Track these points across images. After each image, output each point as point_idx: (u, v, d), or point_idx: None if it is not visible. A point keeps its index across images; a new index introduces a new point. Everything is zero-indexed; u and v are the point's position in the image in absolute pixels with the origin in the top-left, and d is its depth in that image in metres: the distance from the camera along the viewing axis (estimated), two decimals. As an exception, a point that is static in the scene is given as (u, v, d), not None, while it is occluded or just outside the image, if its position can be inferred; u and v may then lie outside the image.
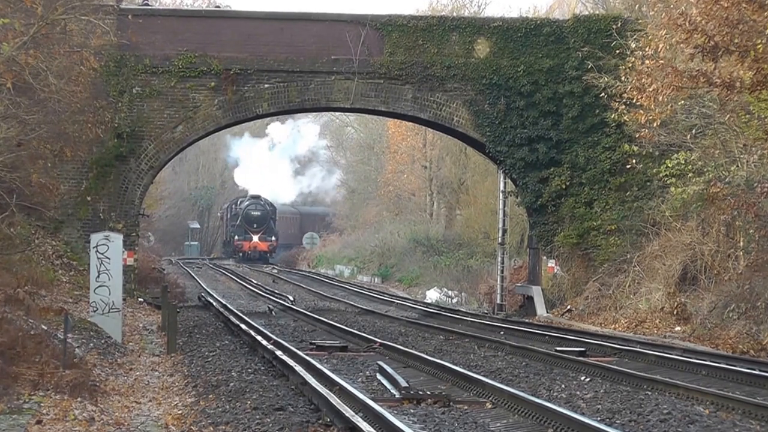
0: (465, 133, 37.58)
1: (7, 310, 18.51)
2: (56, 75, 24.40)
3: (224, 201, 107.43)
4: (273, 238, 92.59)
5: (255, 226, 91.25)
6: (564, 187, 36.61)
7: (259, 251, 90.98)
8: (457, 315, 36.88)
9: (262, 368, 20.39)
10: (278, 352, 20.92)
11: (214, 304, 37.86)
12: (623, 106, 31.07)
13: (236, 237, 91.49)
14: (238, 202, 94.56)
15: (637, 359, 22.84)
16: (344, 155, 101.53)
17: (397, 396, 16.65)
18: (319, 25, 37.18)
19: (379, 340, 24.98)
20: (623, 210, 35.16)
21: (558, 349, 23.68)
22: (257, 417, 14.53)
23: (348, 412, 13.53)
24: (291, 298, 43.97)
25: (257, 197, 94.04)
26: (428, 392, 16.70)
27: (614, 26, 35.69)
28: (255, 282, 57.32)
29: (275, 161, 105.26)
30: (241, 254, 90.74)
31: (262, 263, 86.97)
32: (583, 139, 36.58)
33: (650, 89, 26.38)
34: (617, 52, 33.56)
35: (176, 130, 36.11)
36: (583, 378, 19.62)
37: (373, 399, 15.23)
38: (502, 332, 30.04)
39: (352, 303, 43.43)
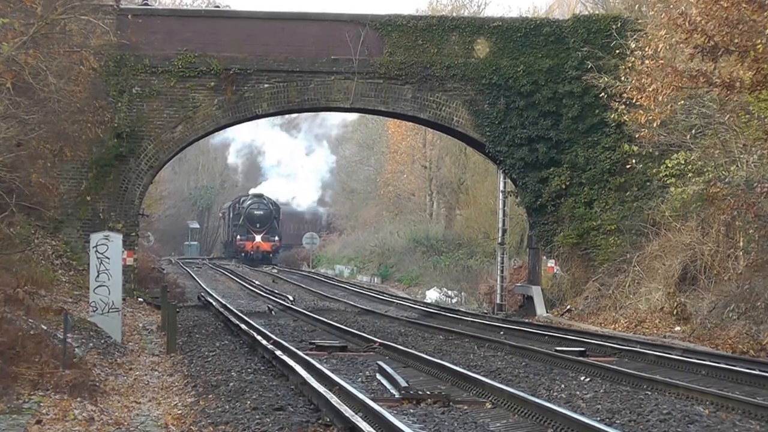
0: (465, 133, 37.57)
1: (7, 309, 18.49)
2: (56, 75, 24.37)
3: (225, 200, 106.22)
4: (276, 238, 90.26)
5: (258, 225, 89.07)
6: (564, 187, 36.60)
7: (262, 251, 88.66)
8: (457, 315, 36.88)
9: (262, 368, 20.39)
10: (278, 352, 20.92)
11: (214, 303, 37.85)
12: (623, 106, 31.08)
13: (238, 237, 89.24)
14: (241, 201, 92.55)
15: (636, 359, 22.83)
16: (344, 154, 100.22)
17: (396, 396, 16.65)
18: (319, 25, 37.18)
19: (379, 340, 24.97)
20: (623, 210, 35.14)
21: (558, 349, 23.68)
22: (257, 417, 14.53)
23: (348, 412, 13.52)
24: (291, 298, 43.99)
25: (260, 196, 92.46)
26: (428, 392, 16.69)
27: (614, 26, 35.70)
28: (255, 282, 57.31)
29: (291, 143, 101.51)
30: (243, 254, 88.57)
31: (265, 264, 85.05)
32: (582, 139, 36.57)
33: (650, 89, 26.37)
34: (617, 52, 33.54)
35: (176, 130, 36.11)
36: (582, 378, 19.61)
37: (372, 399, 15.22)
38: (501, 332, 30.03)
39: (351, 303, 43.43)
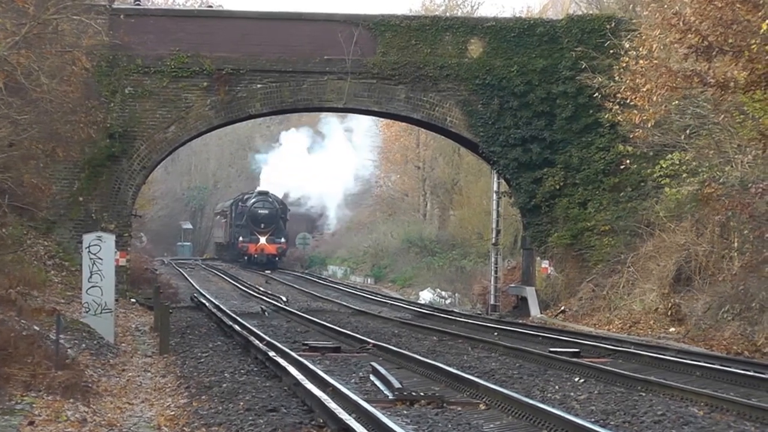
0: (458, 134, 37.52)
1: (-1, 310, 18.44)
2: (48, 75, 24.32)
3: (225, 198, 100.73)
4: (282, 240, 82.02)
5: (262, 226, 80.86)
6: (558, 187, 36.55)
7: (267, 254, 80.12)
8: (451, 316, 36.81)
9: (255, 369, 20.32)
10: (271, 353, 20.85)
11: (207, 304, 37.73)
12: (617, 107, 31.05)
13: (241, 238, 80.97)
14: (244, 199, 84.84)
15: (631, 360, 22.79)
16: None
17: (390, 397, 16.59)
18: (312, 25, 37.11)
19: (373, 341, 24.92)
20: (617, 210, 35.10)
21: (552, 350, 23.63)
22: (250, 418, 14.47)
23: (341, 413, 13.47)
24: (284, 299, 43.86)
25: (265, 193, 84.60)
26: (422, 393, 16.65)
27: (608, 26, 35.65)
28: (247, 283, 57.21)
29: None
30: (246, 258, 79.91)
31: (269, 268, 77.30)
32: (576, 140, 36.54)
33: (644, 89, 26.36)
34: (611, 52, 33.48)
35: (168, 131, 36.03)
36: (577, 379, 19.57)
37: (366, 400, 15.16)
38: (495, 333, 29.98)
39: (345, 304, 43.36)
